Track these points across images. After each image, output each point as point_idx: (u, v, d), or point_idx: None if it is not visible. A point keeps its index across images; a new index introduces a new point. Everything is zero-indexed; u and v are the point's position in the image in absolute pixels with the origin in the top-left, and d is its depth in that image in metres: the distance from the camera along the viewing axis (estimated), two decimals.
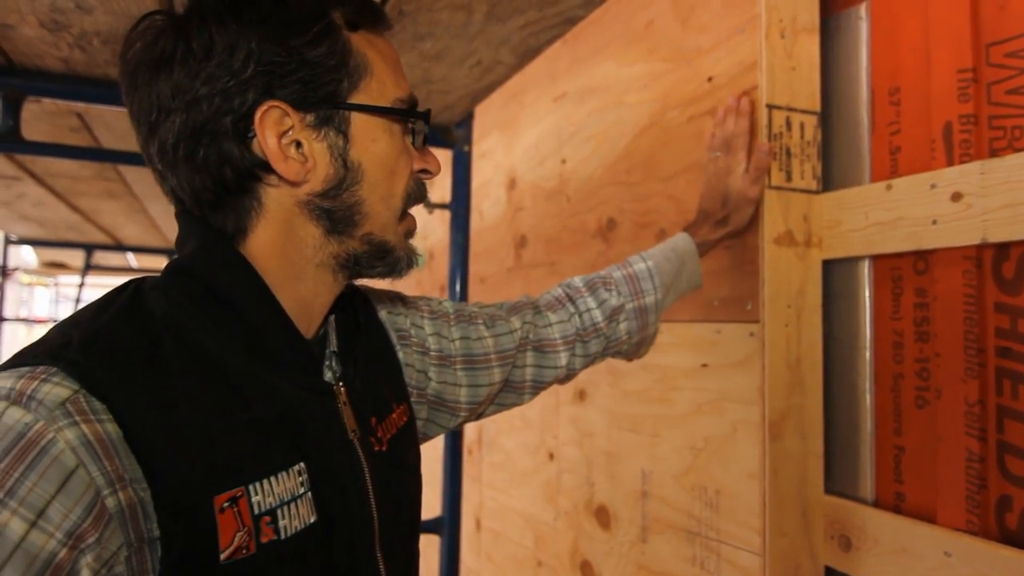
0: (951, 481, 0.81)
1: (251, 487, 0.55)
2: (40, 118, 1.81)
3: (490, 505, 1.76)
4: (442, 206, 1.94)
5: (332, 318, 0.70)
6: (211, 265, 0.60)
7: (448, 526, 1.85)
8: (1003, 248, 0.77)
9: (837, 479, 0.95)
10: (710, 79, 1.04)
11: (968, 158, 0.81)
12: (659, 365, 1.13)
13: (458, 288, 1.90)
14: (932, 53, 0.85)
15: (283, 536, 0.56)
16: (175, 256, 0.63)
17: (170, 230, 4.05)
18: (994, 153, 0.79)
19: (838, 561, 0.91)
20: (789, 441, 0.92)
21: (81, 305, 0.63)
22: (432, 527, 1.86)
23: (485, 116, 1.86)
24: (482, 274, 1.86)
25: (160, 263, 5.27)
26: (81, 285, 4.76)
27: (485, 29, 1.33)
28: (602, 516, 1.28)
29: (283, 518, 0.56)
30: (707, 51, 1.05)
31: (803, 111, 0.95)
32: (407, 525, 0.74)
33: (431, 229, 2.28)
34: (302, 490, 0.59)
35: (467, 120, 1.92)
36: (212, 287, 0.59)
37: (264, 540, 0.55)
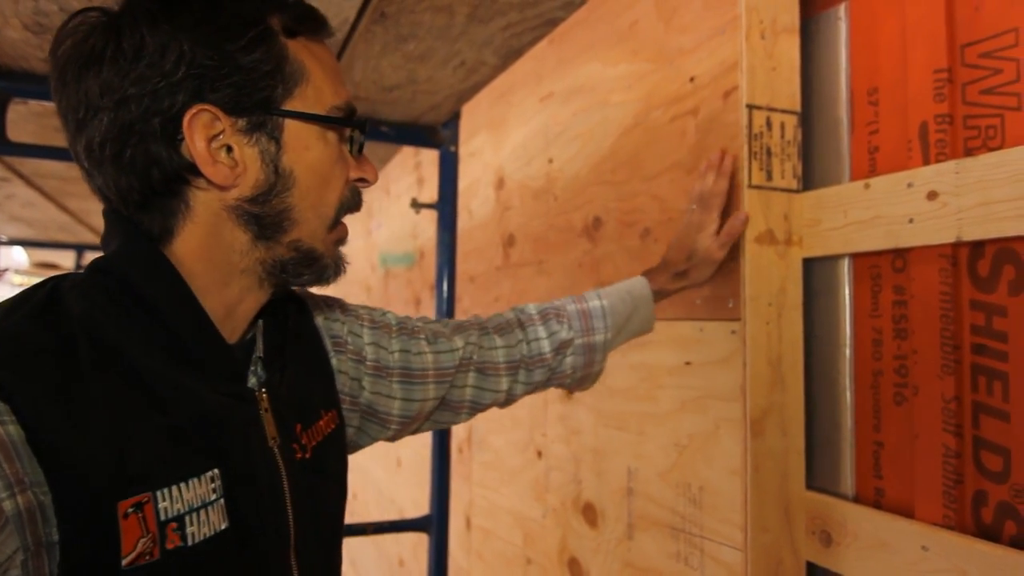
0: (929, 476, 0.82)
1: (158, 493, 0.54)
2: (27, 119, 1.80)
3: (480, 503, 1.77)
4: (430, 206, 1.94)
5: (260, 323, 0.69)
6: (133, 265, 0.59)
7: (436, 524, 1.86)
8: (978, 246, 0.79)
9: (818, 475, 0.96)
10: (692, 79, 1.05)
11: (944, 157, 0.82)
12: (644, 363, 1.13)
13: (445, 287, 1.91)
14: (909, 54, 0.86)
15: (190, 543, 0.56)
16: (98, 256, 0.62)
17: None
18: (969, 152, 0.80)
19: (819, 556, 0.92)
20: (770, 438, 0.93)
21: None
22: (421, 525, 1.87)
23: (473, 116, 1.87)
24: (471, 273, 1.87)
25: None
26: None
27: (467, 30, 1.34)
28: (589, 513, 1.29)
29: (191, 524, 0.56)
30: (689, 51, 1.06)
31: (783, 111, 0.96)
32: (327, 533, 0.73)
33: (421, 229, 2.29)
34: (214, 496, 0.58)
35: (454, 120, 1.92)
36: (133, 288, 0.58)
37: (169, 546, 0.54)
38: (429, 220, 2.18)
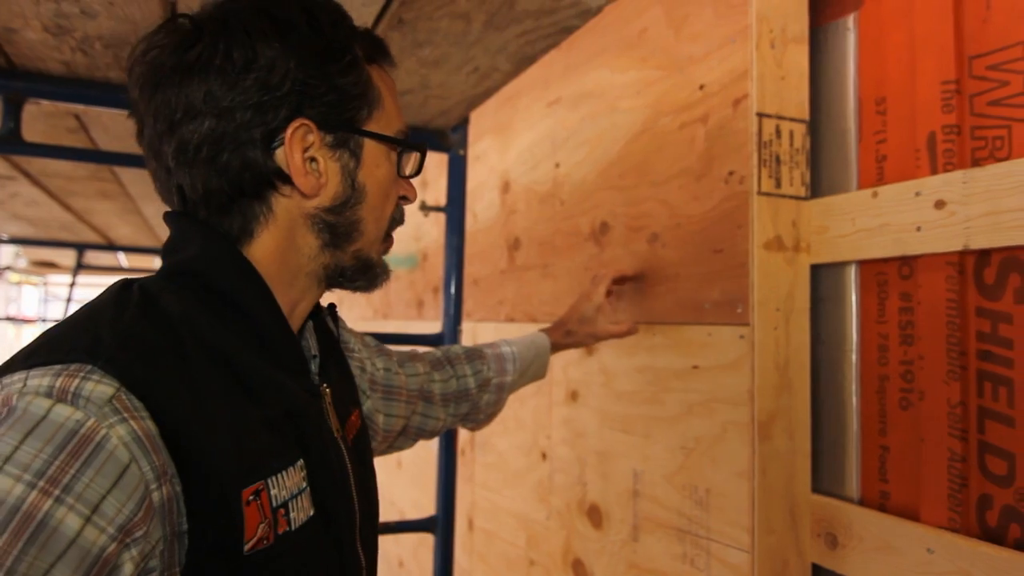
0: (934, 480, 0.83)
1: (269, 480, 0.58)
2: (37, 119, 1.81)
3: (483, 505, 1.78)
4: (437, 209, 1.96)
5: (311, 323, 0.74)
6: (219, 268, 0.62)
7: (442, 525, 1.87)
8: (984, 254, 0.80)
9: (824, 478, 0.98)
10: (702, 87, 1.07)
11: (951, 167, 0.83)
12: (651, 367, 1.15)
13: (453, 290, 1.92)
14: (917, 64, 0.88)
15: (293, 527, 0.60)
16: (171, 258, 0.64)
17: (164, 230, 4.05)
18: (976, 162, 0.82)
19: (824, 559, 0.93)
20: (777, 441, 0.94)
21: (73, 304, 0.64)
22: (426, 526, 1.88)
23: (480, 120, 1.88)
24: (476, 275, 1.88)
25: (150, 262, 5.25)
26: (72, 284, 4.75)
27: (483, 37, 1.35)
28: (594, 515, 1.30)
29: (293, 510, 0.60)
30: (699, 59, 1.08)
31: (792, 119, 0.98)
32: (376, 518, 0.79)
33: (424, 231, 2.30)
34: (304, 485, 0.62)
35: (463, 124, 1.94)
36: (219, 289, 0.62)
37: (280, 531, 0.58)
38: (432, 222, 2.19)
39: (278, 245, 0.65)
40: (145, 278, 0.62)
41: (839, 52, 1.00)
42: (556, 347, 1.15)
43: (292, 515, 0.60)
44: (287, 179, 0.63)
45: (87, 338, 0.53)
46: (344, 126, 0.65)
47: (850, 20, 0.98)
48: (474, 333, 1.87)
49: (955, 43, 0.84)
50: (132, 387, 0.51)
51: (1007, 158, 0.78)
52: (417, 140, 0.74)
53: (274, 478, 0.58)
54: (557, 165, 1.48)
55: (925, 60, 0.87)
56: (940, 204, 0.81)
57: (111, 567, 0.47)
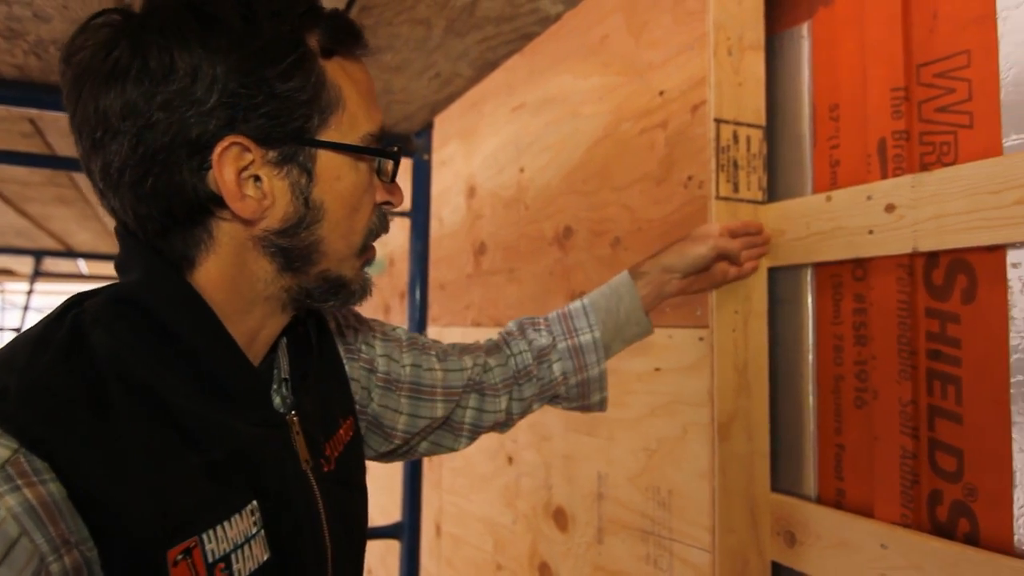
0: (887, 477, 0.85)
1: (204, 536, 0.53)
2: None
3: (450, 510, 1.78)
4: (402, 214, 1.96)
5: (283, 341, 0.68)
6: (159, 298, 0.56)
7: (408, 531, 1.86)
8: (933, 257, 0.82)
9: (782, 477, 0.99)
10: (662, 93, 1.08)
11: (901, 172, 0.85)
12: (615, 369, 1.16)
13: (418, 295, 1.92)
14: (868, 72, 0.90)
15: (256, 567, 0.56)
16: (117, 281, 0.59)
17: None
18: (925, 167, 0.84)
19: (784, 556, 0.95)
20: (737, 442, 0.95)
21: (31, 313, 0.60)
22: (392, 532, 1.87)
23: (445, 125, 1.88)
24: (442, 280, 1.88)
25: (112, 269, 5.14)
26: (30, 292, 4.64)
27: (444, 43, 1.36)
28: (560, 518, 1.30)
29: (237, 562, 0.55)
30: (659, 66, 1.09)
31: (749, 125, 0.99)
32: (357, 544, 0.72)
33: (391, 236, 2.29)
34: (255, 529, 0.57)
35: (427, 130, 1.94)
36: (159, 320, 0.55)
37: None
38: (398, 227, 2.19)
39: (224, 272, 0.58)
40: (88, 304, 0.56)
41: (794, 59, 1.02)
42: (641, 272, 0.92)
43: (236, 566, 0.54)
44: (224, 204, 0.55)
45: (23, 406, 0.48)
46: (289, 139, 0.55)
47: (804, 28, 1.00)
48: (440, 338, 1.87)
49: (904, 51, 0.86)
50: (33, 447, 0.47)
51: (954, 163, 0.81)
52: (389, 145, 0.64)
53: (211, 532, 0.53)
54: (522, 170, 1.49)
55: (875, 68, 0.89)
56: (890, 208, 0.84)
57: None
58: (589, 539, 1.21)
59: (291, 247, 0.58)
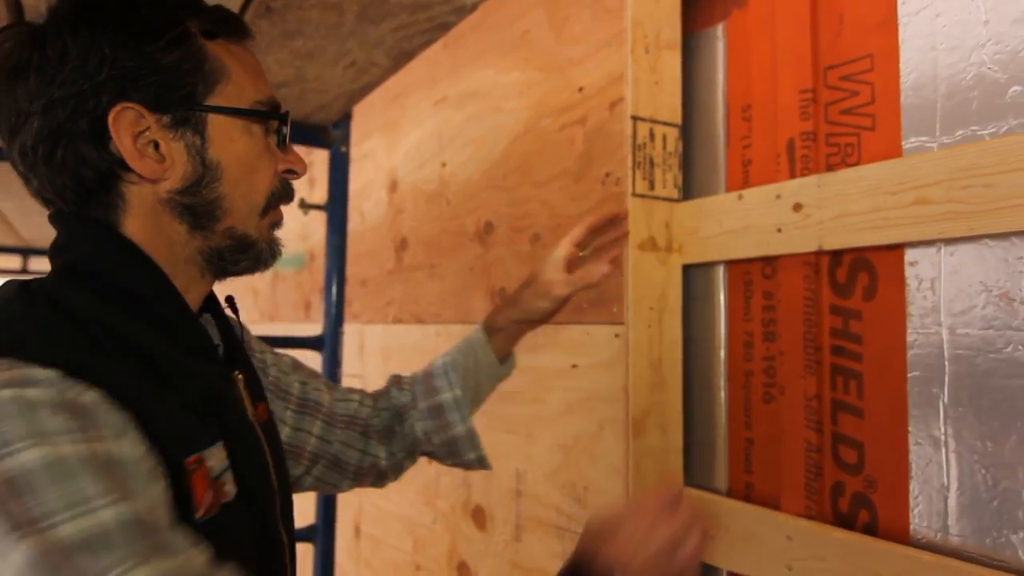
0: (793, 470, 0.87)
1: (205, 452, 0.59)
2: None
3: (370, 511, 1.74)
4: (319, 207, 1.91)
5: (208, 316, 0.74)
6: (114, 263, 0.62)
7: (322, 534, 1.81)
8: (837, 255, 0.85)
9: (695, 472, 1.01)
10: (581, 89, 1.08)
11: (808, 172, 0.87)
12: (533, 366, 1.15)
13: (334, 290, 1.87)
14: (778, 73, 0.92)
15: (230, 499, 0.61)
16: (60, 258, 0.63)
17: (25, 228, 3.76)
18: (830, 168, 0.86)
19: None
20: (651, 437, 0.96)
21: None
22: (306, 535, 1.82)
23: (367, 117, 1.84)
24: (363, 276, 1.84)
25: (11, 262, 4.87)
26: None
27: (357, 30, 1.33)
28: (479, 517, 1.29)
29: (226, 484, 0.61)
30: (578, 62, 1.09)
31: (665, 123, 1.00)
32: (291, 500, 0.79)
33: (311, 230, 2.23)
34: (226, 463, 0.62)
35: (345, 120, 1.89)
36: (118, 284, 0.61)
37: (223, 500, 0.60)
38: (319, 221, 2.13)
39: (145, 233, 0.64)
40: (37, 279, 0.61)
41: (709, 60, 1.03)
42: (498, 329, 0.95)
43: (226, 488, 0.61)
44: (128, 166, 0.62)
45: (6, 334, 0.53)
46: (179, 104, 0.63)
47: (719, 29, 1.02)
48: (361, 335, 1.83)
49: (812, 54, 0.88)
50: (71, 372, 0.52)
51: (857, 163, 0.83)
52: (274, 108, 0.69)
53: (207, 451, 0.59)
54: (444, 164, 1.47)
55: (785, 69, 0.91)
56: (798, 207, 0.85)
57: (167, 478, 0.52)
58: (507, 537, 1.20)
59: (195, 204, 0.65)
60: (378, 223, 1.77)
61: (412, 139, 1.61)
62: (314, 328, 2.02)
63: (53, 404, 0.49)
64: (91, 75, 0.59)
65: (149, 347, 0.59)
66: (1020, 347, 0.68)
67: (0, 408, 0.47)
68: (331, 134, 1.91)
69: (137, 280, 0.62)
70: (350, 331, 1.90)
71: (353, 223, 1.92)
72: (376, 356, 1.74)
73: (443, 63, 1.48)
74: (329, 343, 1.89)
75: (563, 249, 0.93)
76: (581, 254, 0.95)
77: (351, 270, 1.92)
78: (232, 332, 0.76)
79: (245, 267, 0.70)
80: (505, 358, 0.98)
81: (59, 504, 0.45)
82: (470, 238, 1.36)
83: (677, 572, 0.64)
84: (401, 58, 1.49)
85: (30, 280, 0.61)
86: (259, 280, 2.86)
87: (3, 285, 0.61)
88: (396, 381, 0.98)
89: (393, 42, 1.41)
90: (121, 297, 0.61)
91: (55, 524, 0.44)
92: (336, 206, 1.87)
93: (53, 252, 0.64)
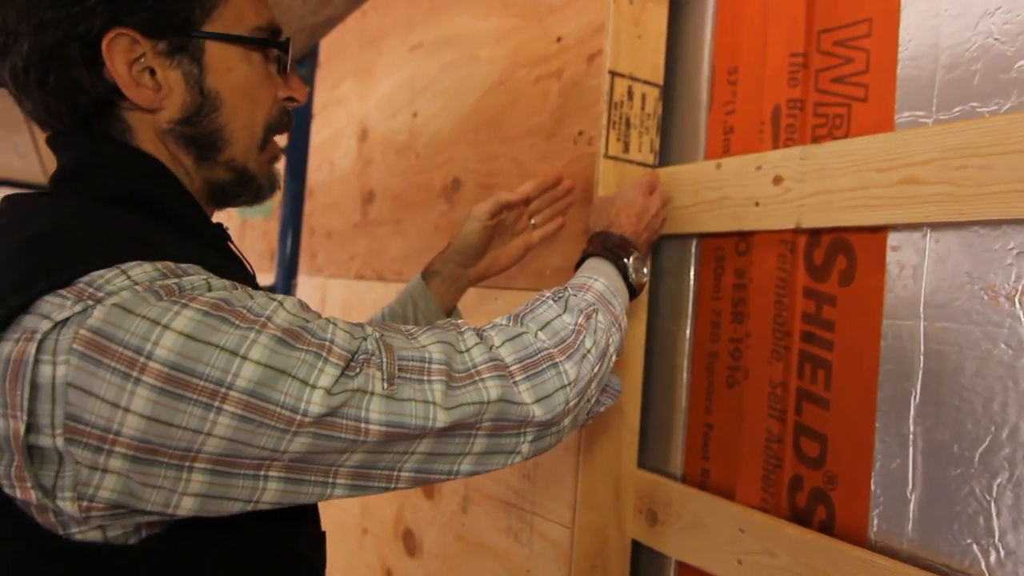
0: (751, 460, 0.82)
1: None
2: None
3: None
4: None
5: None
6: (156, 187, 0.60)
7: None
8: (815, 234, 0.79)
9: (651, 454, 0.96)
10: (559, 39, 1.00)
11: (792, 143, 0.81)
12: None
13: (289, 239, 1.78)
14: (769, 35, 0.85)
15: None
16: (84, 180, 0.59)
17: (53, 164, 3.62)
18: (815, 139, 0.80)
19: (645, 535, 0.91)
20: (606, 415, 0.91)
21: None
22: None
23: (341, 61, 1.75)
24: (329, 228, 1.76)
25: None
26: None
27: None
28: (428, 487, 1.24)
29: None
30: (558, 9, 1.01)
31: (645, 82, 0.93)
32: None
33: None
34: None
35: (310, 58, 1.79)
36: (167, 210, 0.59)
37: None
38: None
39: (165, 161, 0.63)
40: (71, 199, 0.57)
41: (697, 17, 0.96)
42: (432, 271, 0.91)
43: None
44: (124, 95, 0.59)
45: (96, 241, 0.51)
46: (174, 31, 0.60)
47: None
48: (324, 289, 1.76)
49: (806, 15, 0.81)
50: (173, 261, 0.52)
51: (845, 137, 0.77)
52: (278, 37, 0.66)
53: None
54: (415, 115, 1.39)
55: (776, 30, 0.84)
56: (778, 180, 0.79)
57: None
58: (454, 508, 1.15)
59: (196, 135, 0.63)
60: (346, 173, 1.69)
61: (385, 86, 1.52)
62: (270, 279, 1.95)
63: (227, 288, 0.51)
64: None
65: (217, 269, 0.56)
66: (1001, 345, 0.63)
67: (187, 287, 0.49)
68: None
69: (183, 205, 0.61)
70: (312, 284, 1.83)
71: (322, 172, 1.83)
72: (337, 311, 1.67)
73: (422, 5, 1.39)
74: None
75: (501, 194, 0.87)
76: (532, 221, 0.91)
77: (317, 220, 1.84)
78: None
79: (245, 200, 0.69)
80: (449, 313, 0.93)
81: (260, 309, 0.49)
82: (437, 194, 1.29)
83: (655, 238, 0.86)
84: None
85: (56, 199, 0.57)
86: (229, 227, 2.77)
87: (41, 201, 0.57)
88: None
89: None
90: (174, 223, 0.59)
91: (270, 317, 0.49)
92: (295, 149, 1.77)
93: (69, 175, 0.60)
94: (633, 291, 0.77)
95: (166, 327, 0.45)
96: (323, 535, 0.69)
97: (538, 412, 0.59)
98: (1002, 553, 0.62)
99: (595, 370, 0.64)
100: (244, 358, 0.47)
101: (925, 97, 0.71)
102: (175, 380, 0.45)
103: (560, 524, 0.92)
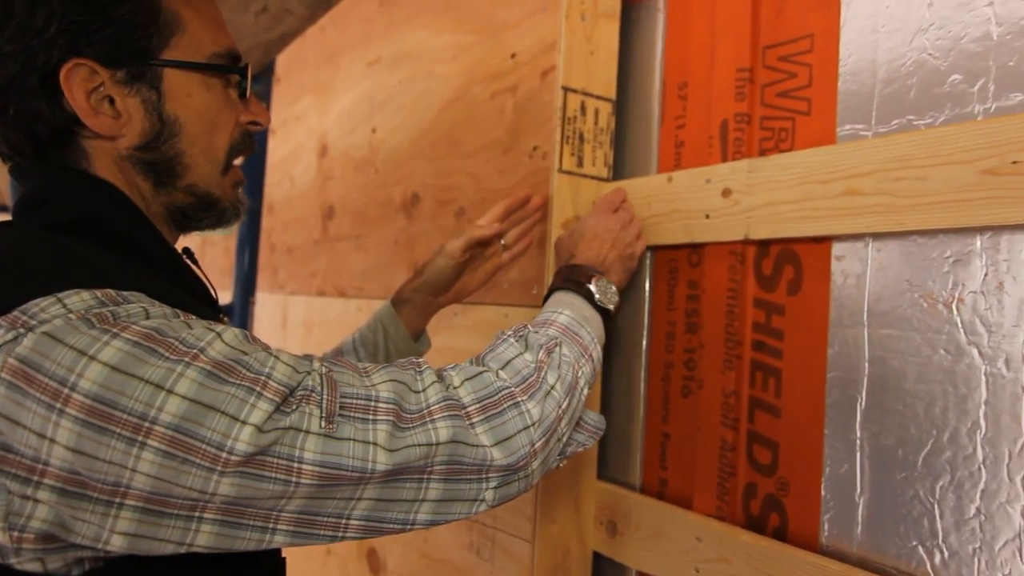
0: (706, 469, 0.83)
1: None
2: None
3: None
4: None
5: None
6: (114, 214, 0.60)
7: None
8: (764, 245, 0.80)
9: (611, 465, 0.96)
10: (514, 55, 1.01)
11: (740, 156, 0.83)
12: (450, 347, 1.09)
13: (247, 257, 1.77)
14: (717, 50, 0.87)
15: None
16: (44, 211, 0.59)
17: None
18: (763, 153, 0.82)
19: (605, 546, 0.92)
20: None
21: None
22: None
23: (300, 76, 1.74)
24: (290, 244, 1.75)
25: None
26: None
27: None
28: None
29: None
30: (512, 26, 1.02)
31: (598, 97, 0.94)
32: None
33: None
34: None
35: (266, 75, 1.78)
36: (121, 236, 0.59)
37: None
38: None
39: (122, 187, 0.62)
40: (21, 232, 0.58)
41: (648, 32, 0.97)
42: (403, 299, 0.91)
43: None
44: (83, 123, 0.60)
45: (46, 268, 0.51)
46: (132, 59, 0.60)
47: (660, 0, 0.96)
48: (285, 307, 1.74)
49: (751, 31, 0.83)
50: (119, 291, 0.51)
51: (790, 150, 0.79)
52: (233, 60, 0.66)
53: None
54: (374, 130, 1.39)
55: (724, 46, 0.86)
56: (727, 192, 0.81)
57: None
58: None
59: (155, 161, 0.63)
60: (307, 189, 1.68)
61: (344, 102, 1.52)
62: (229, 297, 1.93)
63: (164, 317, 0.50)
64: (39, 31, 0.56)
65: (163, 295, 0.56)
66: (941, 351, 0.65)
67: (121, 315, 0.48)
68: None
69: (138, 230, 0.61)
70: (273, 301, 1.81)
71: (283, 188, 1.82)
72: (299, 329, 1.66)
73: (379, 21, 1.40)
74: (239, 313, 1.78)
75: (474, 231, 0.88)
76: (503, 243, 0.91)
77: (278, 237, 1.82)
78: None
79: (208, 224, 0.69)
80: (418, 336, 0.93)
81: (194, 341, 0.49)
82: (396, 209, 1.29)
83: (632, 252, 0.84)
84: (319, 7, 1.40)
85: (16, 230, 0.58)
86: (190, 244, 2.73)
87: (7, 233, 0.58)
88: (307, 359, 0.91)
89: None
90: (128, 248, 0.59)
91: (204, 349, 0.48)
92: (251, 166, 1.76)
93: (28, 205, 0.59)
94: (607, 314, 0.75)
95: (92, 358, 0.44)
96: (283, 561, 0.68)
97: (497, 455, 0.56)
98: (946, 554, 0.63)
99: (562, 407, 0.62)
100: (170, 392, 0.45)
101: (865, 111, 0.73)
102: (98, 413, 0.44)
103: (521, 538, 0.92)
